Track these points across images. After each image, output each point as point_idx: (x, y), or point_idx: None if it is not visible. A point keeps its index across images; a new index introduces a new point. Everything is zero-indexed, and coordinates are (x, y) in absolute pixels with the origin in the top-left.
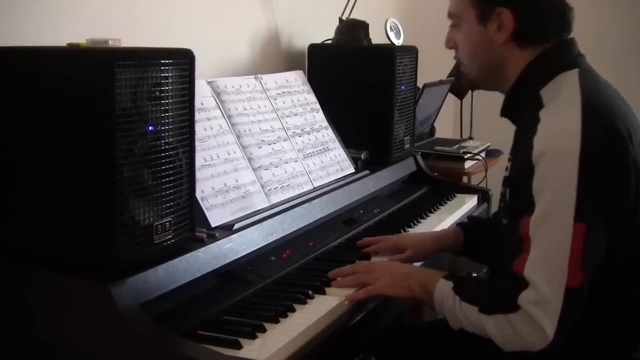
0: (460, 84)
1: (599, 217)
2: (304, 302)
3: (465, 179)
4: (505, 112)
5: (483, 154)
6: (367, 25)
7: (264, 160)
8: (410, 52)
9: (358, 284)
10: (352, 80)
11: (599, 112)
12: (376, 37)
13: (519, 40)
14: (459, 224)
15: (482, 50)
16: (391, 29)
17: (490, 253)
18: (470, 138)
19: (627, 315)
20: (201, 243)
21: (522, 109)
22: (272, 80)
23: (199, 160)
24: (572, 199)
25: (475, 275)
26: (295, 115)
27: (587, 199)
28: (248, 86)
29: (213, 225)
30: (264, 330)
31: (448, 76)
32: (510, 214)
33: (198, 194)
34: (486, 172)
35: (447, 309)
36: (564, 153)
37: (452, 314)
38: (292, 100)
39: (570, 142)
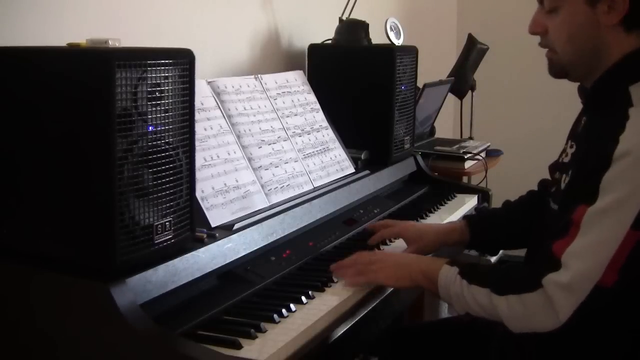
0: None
1: None
2: (304, 302)
3: (465, 179)
4: (589, 97)
5: (483, 154)
6: (367, 25)
7: (264, 160)
8: (410, 52)
9: (358, 276)
10: (352, 80)
11: None
12: (376, 37)
13: (627, 23)
14: (465, 217)
15: (583, 33)
16: (391, 29)
17: (502, 242)
18: (470, 138)
19: None
20: (201, 243)
21: (607, 100)
22: (272, 80)
23: (199, 160)
24: (637, 206)
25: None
26: (295, 115)
27: None
28: (248, 86)
29: (213, 225)
30: (264, 330)
31: (448, 76)
32: (565, 198)
33: (198, 194)
34: (486, 172)
35: (453, 293)
36: None
37: (460, 298)
38: (292, 100)
39: None
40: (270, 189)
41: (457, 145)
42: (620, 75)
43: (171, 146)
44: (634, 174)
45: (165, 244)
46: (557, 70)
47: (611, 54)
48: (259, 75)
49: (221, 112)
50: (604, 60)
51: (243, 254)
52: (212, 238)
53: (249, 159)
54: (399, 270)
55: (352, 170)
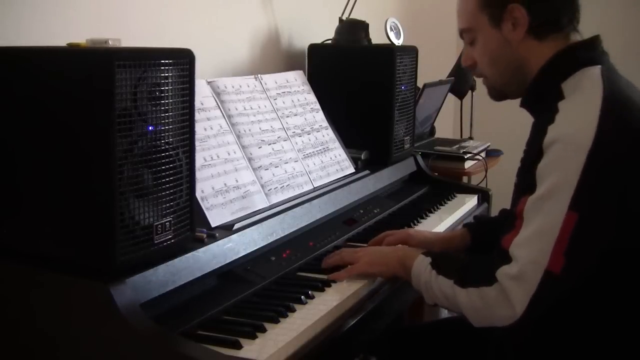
0: (461, 90)
1: (597, 212)
2: (304, 302)
3: (465, 179)
4: (526, 101)
5: (483, 154)
6: (367, 25)
7: (264, 160)
8: (410, 52)
9: (342, 263)
10: (352, 80)
11: (618, 110)
12: (376, 37)
13: (535, 33)
14: (465, 225)
15: (502, 55)
16: (391, 29)
17: None
18: (470, 138)
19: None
20: (201, 243)
21: (543, 101)
22: (272, 80)
23: (199, 160)
24: (572, 188)
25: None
26: (295, 115)
27: (586, 192)
28: (248, 86)
29: (213, 225)
30: (264, 330)
31: (448, 76)
32: (513, 197)
33: (198, 194)
34: (486, 172)
35: (423, 283)
36: (574, 143)
37: (428, 288)
38: (292, 100)
39: (584, 135)
40: (270, 189)
41: (457, 145)
42: (549, 76)
43: (171, 146)
44: (562, 159)
45: (165, 244)
46: (494, 93)
47: (533, 65)
48: (259, 75)
49: (221, 112)
50: (529, 72)
51: (243, 254)
52: (212, 238)
53: (249, 159)
54: (378, 258)
55: (352, 170)
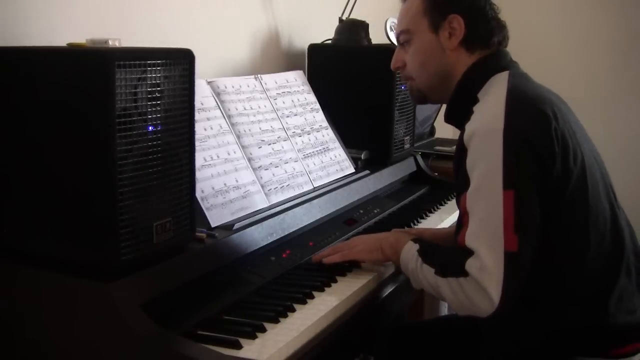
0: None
1: (528, 183)
2: (304, 302)
3: None
4: (449, 117)
5: None
6: (367, 25)
7: (264, 160)
8: None
9: (335, 253)
10: (352, 80)
11: (522, 97)
12: (376, 37)
13: (467, 45)
14: None
15: (432, 59)
16: (391, 29)
17: None
18: None
19: (589, 281)
20: (201, 243)
21: (462, 111)
22: (272, 80)
23: (199, 160)
24: (499, 169)
25: None
26: (295, 115)
27: (513, 168)
28: (248, 86)
29: (213, 225)
30: (264, 330)
31: None
32: (455, 198)
33: (198, 194)
34: None
35: (410, 269)
36: (489, 130)
37: (414, 274)
38: (292, 100)
39: (495, 120)
40: (270, 189)
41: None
42: (467, 88)
43: (171, 146)
44: (483, 147)
45: (165, 244)
46: (416, 96)
47: (458, 73)
48: (259, 75)
49: (221, 112)
50: (453, 80)
51: (243, 254)
52: (212, 238)
53: (249, 159)
54: (370, 244)
55: (352, 170)
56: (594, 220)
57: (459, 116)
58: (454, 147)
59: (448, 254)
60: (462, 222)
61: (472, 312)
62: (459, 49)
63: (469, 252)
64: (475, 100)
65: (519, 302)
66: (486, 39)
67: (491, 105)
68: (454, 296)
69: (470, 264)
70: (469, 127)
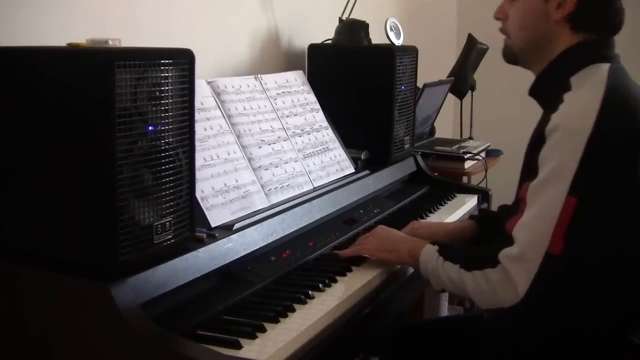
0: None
1: (594, 196)
2: (304, 302)
3: (465, 179)
4: (535, 91)
5: (483, 154)
6: (367, 25)
7: (264, 160)
8: (410, 52)
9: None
10: (352, 80)
11: (620, 102)
12: (376, 37)
13: (572, 22)
14: (472, 217)
15: (535, 23)
16: (391, 29)
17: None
18: (470, 138)
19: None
20: (201, 243)
21: (551, 92)
22: (272, 80)
23: (199, 160)
24: (571, 173)
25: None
26: (295, 115)
27: (585, 177)
28: (248, 86)
29: (213, 225)
30: (264, 330)
31: (448, 76)
32: (518, 183)
33: (198, 194)
34: (486, 172)
35: (430, 269)
36: (575, 130)
37: (435, 274)
38: (292, 100)
39: (584, 122)
40: (270, 189)
41: (457, 145)
42: (561, 67)
43: (171, 146)
44: (562, 145)
45: (165, 244)
46: (509, 55)
47: (556, 48)
48: (259, 75)
49: (221, 112)
50: (549, 52)
51: (243, 254)
52: (212, 238)
53: (249, 159)
54: (386, 244)
55: (352, 170)
56: None
57: (544, 94)
58: (454, 147)
59: (473, 249)
60: (516, 209)
61: (495, 303)
62: (564, 24)
63: (510, 241)
64: (567, 85)
65: (541, 297)
66: (595, 23)
67: (584, 101)
68: (477, 289)
69: (506, 253)
70: (555, 117)
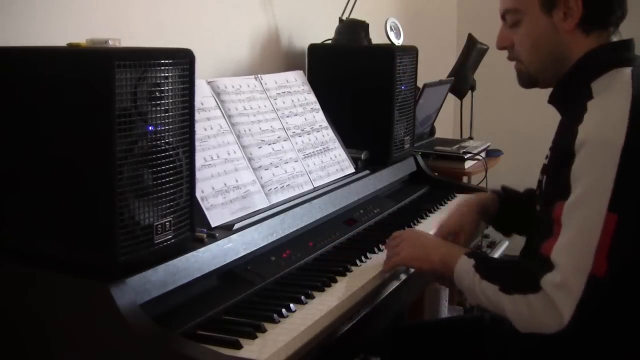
0: (461, 90)
1: (634, 210)
2: (304, 302)
3: (465, 179)
4: (555, 98)
5: (483, 154)
6: (367, 25)
7: (264, 160)
8: (410, 52)
9: (387, 261)
10: (352, 80)
11: None
12: (376, 37)
13: (584, 26)
14: (494, 191)
15: (545, 41)
16: (391, 29)
17: (521, 226)
18: (470, 138)
19: None
20: (201, 243)
21: (571, 98)
22: (272, 80)
23: (199, 160)
24: (609, 189)
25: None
26: (295, 115)
27: (624, 191)
28: (248, 86)
29: (213, 225)
30: (264, 330)
31: (448, 76)
32: (544, 199)
33: (198, 194)
34: (486, 172)
35: (466, 285)
36: (607, 143)
37: (471, 291)
38: (292, 100)
39: (615, 133)
40: (270, 189)
41: (457, 145)
42: (581, 73)
43: (171, 146)
44: (595, 160)
45: (165, 244)
46: (526, 79)
47: (573, 57)
48: (259, 75)
49: (221, 112)
50: (567, 64)
51: (243, 254)
52: (212, 238)
53: (249, 159)
54: (420, 252)
55: (352, 170)
56: None
57: (564, 101)
58: (454, 147)
59: (515, 268)
60: (551, 231)
61: (536, 328)
62: (575, 31)
63: (550, 266)
64: (589, 92)
65: (585, 324)
66: (604, 18)
67: (611, 111)
68: (518, 313)
69: (548, 280)
70: (582, 131)
